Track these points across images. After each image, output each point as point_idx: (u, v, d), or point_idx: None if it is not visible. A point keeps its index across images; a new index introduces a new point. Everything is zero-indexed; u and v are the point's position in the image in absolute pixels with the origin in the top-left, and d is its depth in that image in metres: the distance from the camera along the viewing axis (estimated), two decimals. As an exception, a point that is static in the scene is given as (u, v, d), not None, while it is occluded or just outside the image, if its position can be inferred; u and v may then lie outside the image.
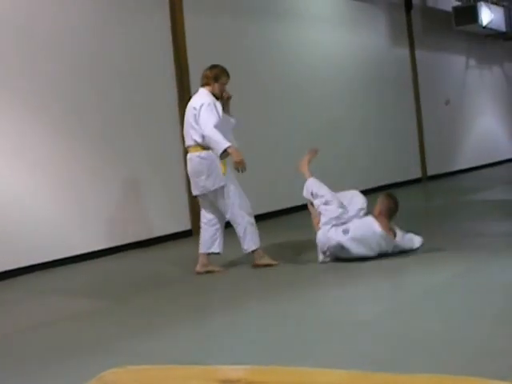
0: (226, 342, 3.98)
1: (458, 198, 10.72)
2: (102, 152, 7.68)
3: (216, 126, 5.60)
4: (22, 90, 7.00)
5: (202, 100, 5.76)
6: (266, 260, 5.94)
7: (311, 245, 6.19)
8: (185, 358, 3.68)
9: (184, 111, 8.60)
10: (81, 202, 7.46)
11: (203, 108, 5.67)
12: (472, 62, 16.60)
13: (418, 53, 13.89)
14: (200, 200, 6.05)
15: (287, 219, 9.67)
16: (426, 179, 13.84)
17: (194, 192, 5.95)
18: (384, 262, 5.80)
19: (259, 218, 9.44)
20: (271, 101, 10.17)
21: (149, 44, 8.29)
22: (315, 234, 5.98)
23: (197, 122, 5.68)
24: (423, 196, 12.46)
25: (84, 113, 7.49)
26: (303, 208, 10.21)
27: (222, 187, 5.74)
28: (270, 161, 10.03)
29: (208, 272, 5.90)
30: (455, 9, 14.51)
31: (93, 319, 4.90)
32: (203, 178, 5.74)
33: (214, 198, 5.85)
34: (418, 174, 13.68)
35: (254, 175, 9.69)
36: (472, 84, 16.45)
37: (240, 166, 5.68)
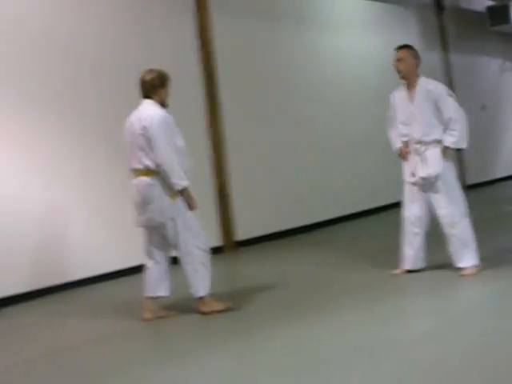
0: (252, 373, 3.86)
1: (500, 208, 10.52)
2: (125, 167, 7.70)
3: (173, 154, 5.08)
4: (61, 108, 7.22)
5: (153, 116, 5.10)
6: (216, 306, 5.30)
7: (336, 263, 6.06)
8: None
9: (214, 120, 8.77)
10: (109, 220, 7.55)
11: (157, 128, 5.05)
12: (508, 65, 16.46)
13: (451, 56, 13.83)
14: (146, 233, 5.39)
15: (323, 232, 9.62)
16: (465, 189, 13.67)
17: (139, 224, 5.31)
18: (416, 279, 5.71)
19: (296, 232, 9.50)
20: (301, 108, 10.18)
21: (175, 49, 8.42)
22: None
23: (148, 143, 5.06)
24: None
25: (107, 122, 7.54)
26: (336, 222, 10.23)
27: (172, 219, 5.15)
28: (300, 172, 9.99)
29: (158, 318, 5.33)
30: (489, 9, 14.43)
31: (118, 342, 4.84)
32: (150, 207, 5.14)
33: (164, 231, 5.23)
34: (456, 184, 13.54)
35: (285, 188, 9.67)
36: (508, 87, 16.31)
37: (192, 209, 5.22)
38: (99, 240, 7.46)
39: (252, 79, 9.42)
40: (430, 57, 13.35)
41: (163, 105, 5.27)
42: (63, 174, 7.23)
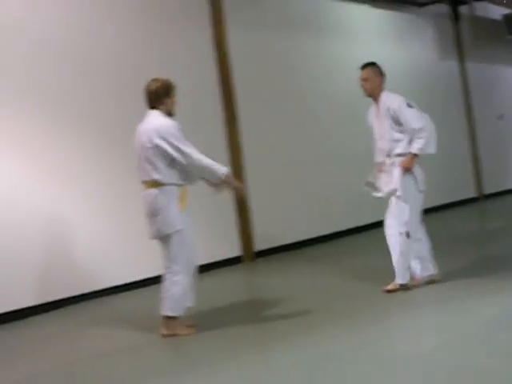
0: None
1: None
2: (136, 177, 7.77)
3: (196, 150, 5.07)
4: (80, 114, 7.36)
5: (163, 125, 5.07)
6: (179, 330, 5.16)
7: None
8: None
9: (231, 132, 8.85)
10: (127, 229, 7.60)
11: (174, 138, 5.01)
12: (526, 73, 16.42)
13: (468, 65, 13.84)
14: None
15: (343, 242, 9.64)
16: (482, 198, 13.66)
17: (151, 235, 5.22)
18: (430, 291, 5.71)
19: (310, 243, 9.54)
20: (319, 118, 10.26)
21: (192, 60, 8.54)
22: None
23: (156, 154, 5.00)
24: (480, 217, 12.24)
25: (119, 132, 7.59)
26: (354, 231, 10.23)
27: (176, 232, 5.06)
28: (318, 182, 10.02)
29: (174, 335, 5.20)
30: (506, 16, 14.42)
31: (132, 355, 4.87)
32: (158, 218, 5.06)
33: (163, 243, 5.16)
34: (473, 193, 13.53)
35: (303, 198, 9.71)
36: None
37: (242, 192, 5.20)
38: (115, 251, 7.54)
39: (268, 89, 9.51)
40: (447, 66, 13.38)
41: (170, 114, 5.19)
42: (70, 182, 7.27)
